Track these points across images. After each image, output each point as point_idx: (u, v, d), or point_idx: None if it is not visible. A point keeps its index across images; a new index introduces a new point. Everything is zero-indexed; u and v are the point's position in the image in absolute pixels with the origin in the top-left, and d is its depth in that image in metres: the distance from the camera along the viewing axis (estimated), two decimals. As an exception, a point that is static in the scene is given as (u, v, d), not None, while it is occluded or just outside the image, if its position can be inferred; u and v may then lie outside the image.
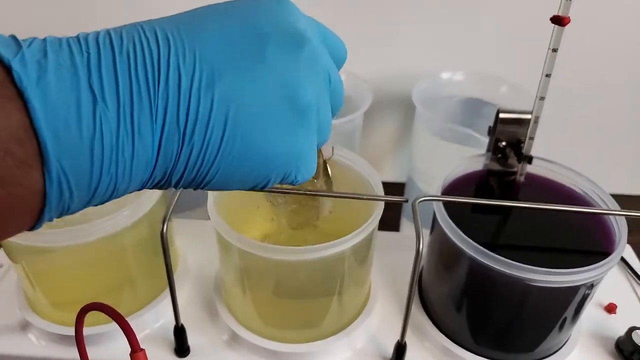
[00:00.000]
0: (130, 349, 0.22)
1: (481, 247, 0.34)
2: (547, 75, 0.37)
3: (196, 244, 0.48)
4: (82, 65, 0.18)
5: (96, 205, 0.21)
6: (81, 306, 0.39)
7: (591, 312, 0.44)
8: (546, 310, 0.37)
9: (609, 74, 0.62)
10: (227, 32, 0.21)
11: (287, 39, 0.22)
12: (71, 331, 0.40)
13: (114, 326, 0.38)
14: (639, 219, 0.35)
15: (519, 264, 0.33)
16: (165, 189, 0.23)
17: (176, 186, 0.22)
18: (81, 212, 0.21)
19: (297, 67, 0.22)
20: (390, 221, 0.45)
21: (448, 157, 0.46)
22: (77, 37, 0.19)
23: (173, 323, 0.39)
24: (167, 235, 0.33)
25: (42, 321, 0.41)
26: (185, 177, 0.21)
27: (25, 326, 0.42)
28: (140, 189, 0.21)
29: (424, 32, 0.58)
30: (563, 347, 0.40)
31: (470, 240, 0.34)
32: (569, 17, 0.34)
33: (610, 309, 0.44)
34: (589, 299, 0.38)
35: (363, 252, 0.39)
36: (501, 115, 0.39)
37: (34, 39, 0.18)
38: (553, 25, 0.35)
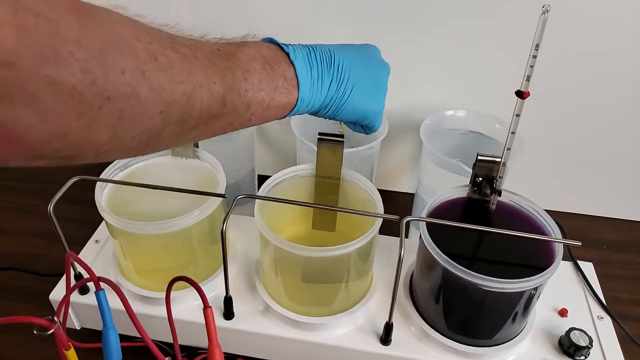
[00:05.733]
0: (203, 306, 0.36)
1: (450, 260, 0.46)
2: (513, 133, 0.48)
3: (243, 235, 0.62)
4: (305, 57, 0.42)
5: (310, 112, 0.46)
6: (159, 276, 0.54)
7: (546, 314, 0.55)
8: (500, 308, 0.49)
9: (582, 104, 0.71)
10: (354, 54, 0.46)
11: (378, 62, 0.49)
12: (149, 293, 0.55)
13: (179, 294, 0.53)
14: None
15: (477, 274, 0.45)
16: (321, 115, 0.46)
17: (326, 113, 0.46)
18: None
19: (382, 75, 0.49)
20: (399, 228, 0.55)
21: (445, 181, 0.58)
22: (304, 45, 0.43)
23: (223, 294, 0.52)
24: (226, 231, 0.47)
25: (129, 283, 0.55)
26: (332, 109, 0.45)
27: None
28: (317, 110, 0.45)
29: (433, 74, 0.70)
30: (516, 337, 0.52)
31: (443, 254, 0.46)
32: (528, 92, 0.46)
33: (562, 313, 0.55)
34: (534, 299, 0.49)
35: (365, 253, 0.51)
36: (479, 157, 0.51)
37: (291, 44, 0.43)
38: (516, 97, 0.46)
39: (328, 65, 0.44)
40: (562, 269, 0.60)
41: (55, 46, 0.24)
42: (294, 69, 0.41)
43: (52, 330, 0.35)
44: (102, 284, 0.39)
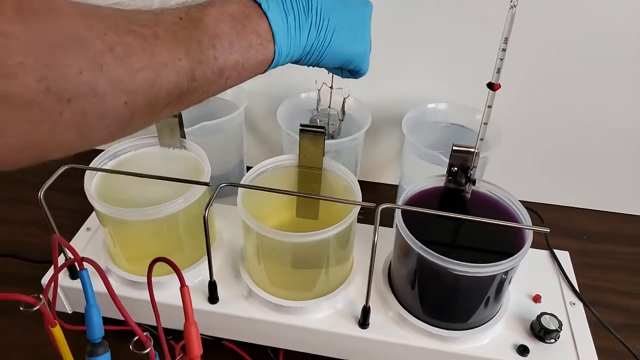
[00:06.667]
0: (180, 285, 0.38)
1: (423, 246, 0.48)
2: (485, 123, 0.50)
3: (230, 224, 0.64)
4: (279, 4, 0.40)
5: (292, 61, 0.43)
6: (147, 262, 0.56)
7: (520, 300, 0.57)
8: (473, 292, 0.51)
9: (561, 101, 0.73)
10: None
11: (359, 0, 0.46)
12: (138, 278, 0.57)
13: (167, 278, 0.55)
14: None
15: (448, 259, 0.46)
16: (304, 63, 0.44)
17: (308, 61, 0.44)
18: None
19: (365, 12, 0.46)
20: (385, 218, 0.57)
21: (427, 173, 0.60)
22: None
23: (208, 279, 0.55)
24: (208, 218, 0.49)
25: (119, 269, 0.57)
26: (314, 56, 0.43)
27: (107, 272, 0.58)
28: (298, 60, 0.43)
29: (415, 68, 0.71)
30: (490, 321, 0.54)
31: (416, 240, 0.48)
32: (499, 84, 0.47)
33: (536, 299, 0.57)
34: (506, 284, 0.51)
35: (344, 239, 0.53)
36: (454, 148, 0.52)
37: None
38: (488, 90, 0.48)
39: (305, 11, 0.41)
40: (538, 257, 0.63)
41: (2, 59, 0.23)
42: (268, 20, 0.39)
43: (37, 307, 0.37)
44: (86, 265, 0.41)
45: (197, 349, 0.38)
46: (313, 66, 0.45)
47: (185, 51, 0.33)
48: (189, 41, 0.33)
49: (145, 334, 0.38)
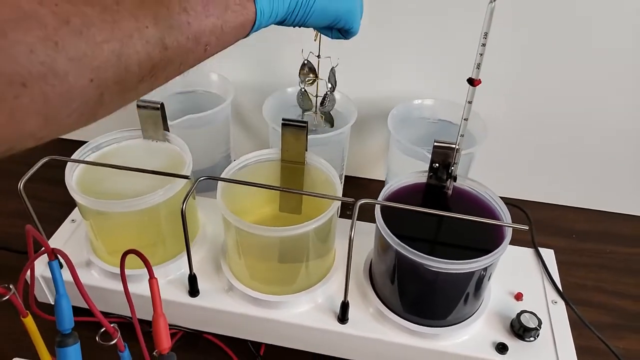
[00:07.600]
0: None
1: (401, 242, 0.48)
2: (465, 119, 0.50)
3: (213, 217, 0.64)
4: None
5: (276, 22, 0.40)
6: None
7: (501, 297, 0.56)
8: (451, 289, 0.51)
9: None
10: None
11: None
12: (119, 270, 0.57)
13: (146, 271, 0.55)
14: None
15: (425, 255, 0.46)
16: (289, 23, 0.42)
17: (294, 21, 0.41)
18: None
19: None
20: (371, 214, 0.57)
21: (412, 169, 0.59)
22: None
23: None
24: (187, 211, 0.49)
25: (100, 262, 0.58)
26: (299, 15, 0.40)
27: (89, 264, 0.58)
28: (283, 20, 0.40)
29: (402, 64, 0.71)
30: (469, 318, 0.53)
31: (393, 236, 0.48)
32: (479, 80, 0.47)
33: (518, 297, 0.57)
34: (485, 281, 0.51)
35: (323, 233, 0.53)
36: (435, 144, 0.52)
37: None
38: (468, 85, 0.48)
39: None
40: (523, 255, 0.62)
41: None
42: None
43: (6, 297, 0.37)
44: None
45: (165, 341, 0.38)
46: (299, 26, 0.42)
47: (153, 18, 0.29)
48: (156, 7, 0.30)
49: (112, 325, 0.38)
